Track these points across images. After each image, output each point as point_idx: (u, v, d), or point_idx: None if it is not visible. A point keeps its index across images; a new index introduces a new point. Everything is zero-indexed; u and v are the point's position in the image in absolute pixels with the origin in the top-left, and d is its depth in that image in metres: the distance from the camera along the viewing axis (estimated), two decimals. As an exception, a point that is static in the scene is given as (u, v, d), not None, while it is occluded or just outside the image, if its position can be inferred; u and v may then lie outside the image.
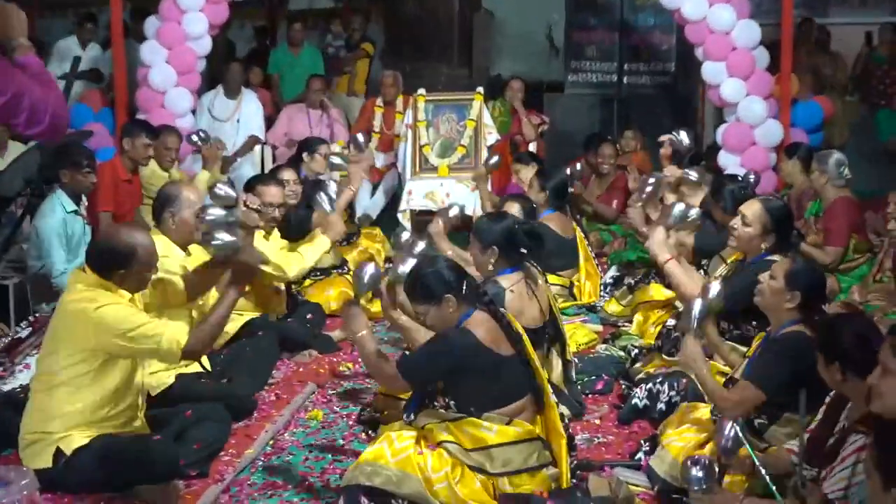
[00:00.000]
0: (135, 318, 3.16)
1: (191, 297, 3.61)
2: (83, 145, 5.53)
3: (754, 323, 3.73)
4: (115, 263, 3.20)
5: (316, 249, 4.81)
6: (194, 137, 6.16)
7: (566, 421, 3.33)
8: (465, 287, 3.16)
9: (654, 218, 4.88)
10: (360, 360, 4.67)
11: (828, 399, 2.85)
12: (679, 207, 4.19)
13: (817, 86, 8.05)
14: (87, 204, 5.38)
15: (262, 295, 4.74)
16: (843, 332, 2.69)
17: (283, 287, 4.89)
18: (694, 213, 4.21)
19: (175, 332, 3.16)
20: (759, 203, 3.89)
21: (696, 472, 2.75)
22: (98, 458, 3.12)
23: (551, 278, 5.19)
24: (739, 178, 5.26)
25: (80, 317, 3.15)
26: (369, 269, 3.31)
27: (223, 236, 3.35)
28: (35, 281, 5.06)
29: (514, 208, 4.82)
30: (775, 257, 3.73)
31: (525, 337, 3.25)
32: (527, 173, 5.88)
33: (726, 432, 2.84)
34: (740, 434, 2.84)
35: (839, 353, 2.65)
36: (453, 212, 4.75)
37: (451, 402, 3.12)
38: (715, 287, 3.49)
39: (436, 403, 3.17)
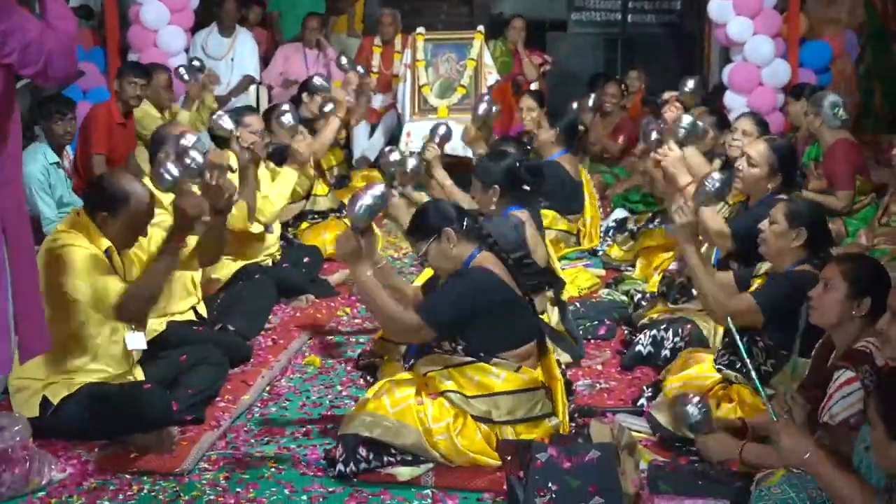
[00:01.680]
0: (93, 267, 3.07)
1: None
2: (62, 94, 5.38)
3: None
4: (102, 204, 3.14)
5: (283, 185, 4.63)
6: (181, 70, 6.00)
7: (563, 367, 3.30)
8: (465, 223, 3.07)
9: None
10: (357, 304, 4.66)
11: (814, 350, 2.85)
12: (685, 124, 4.10)
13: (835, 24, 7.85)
14: (71, 157, 5.29)
15: (238, 242, 4.41)
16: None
17: (273, 231, 4.75)
18: (698, 125, 4.14)
19: (113, 285, 3.07)
20: (763, 143, 3.81)
21: (691, 410, 2.85)
22: (86, 407, 3.07)
23: (559, 224, 5.13)
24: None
25: (47, 255, 3.10)
26: (373, 191, 2.87)
27: (169, 169, 3.13)
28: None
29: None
30: (782, 197, 3.65)
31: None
32: (539, 113, 5.79)
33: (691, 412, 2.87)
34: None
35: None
36: (442, 130, 4.64)
37: (460, 347, 3.02)
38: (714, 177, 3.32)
39: (436, 349, 3.09)
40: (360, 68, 6.25)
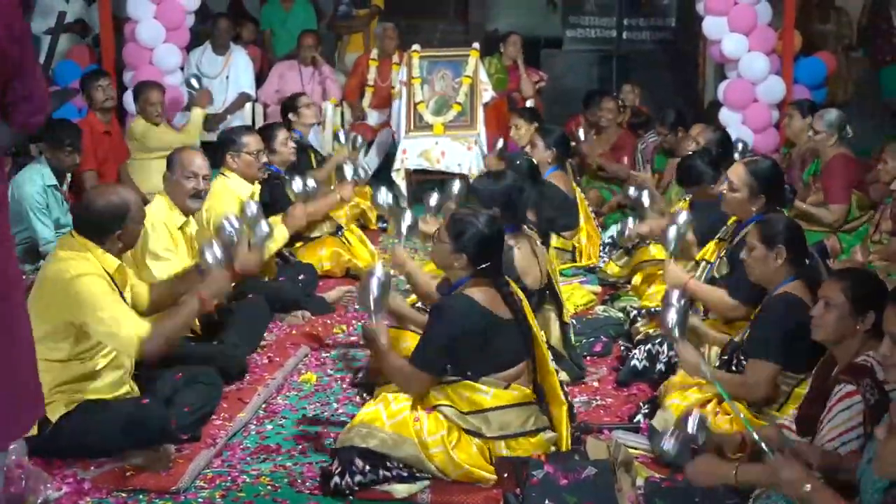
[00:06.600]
0: (108, 297, 3.08)
1: (153, 307, 3.46)
2: (69, 123, 5.40)
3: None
4: (113, 223, 3.15)
5: (273, 243, 4.58)
6: (193, 81, 6.20)
7: (565, 388, 3.29)
8: (486, 265, 3.05)
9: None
10: (353, 321, 4.66)
11: (814, 371, 2.86)
12: (673, 232, 3.94)
13: (820, 41, 7.92)
14: (69, 181, 5.32)
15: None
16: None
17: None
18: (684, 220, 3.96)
19: (136, 323, 3.10)
20: (742, 166, 3.79)
21: (692, 426, 2.73)
22: (84, 424, 3.07)
23: (554, 241, 5.13)
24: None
25: (56, 285, 3.09)
26: (377, 274, 3.07)
27: (213, 254, 3.32)
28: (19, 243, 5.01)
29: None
30: (766, 218, 3.65)
31: (525, 302, 3.19)
32: (527, 130, 5.80)
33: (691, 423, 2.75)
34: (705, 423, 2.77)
35: None
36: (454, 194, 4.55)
37: (448, 367, 3.04)
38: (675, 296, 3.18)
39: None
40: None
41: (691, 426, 2.75)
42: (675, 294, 3.15)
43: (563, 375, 3.73)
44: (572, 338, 3.95)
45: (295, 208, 4.90)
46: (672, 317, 3.13)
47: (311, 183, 4.98)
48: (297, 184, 4.91)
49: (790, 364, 3.05)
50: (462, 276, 3.09)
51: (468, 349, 3.00)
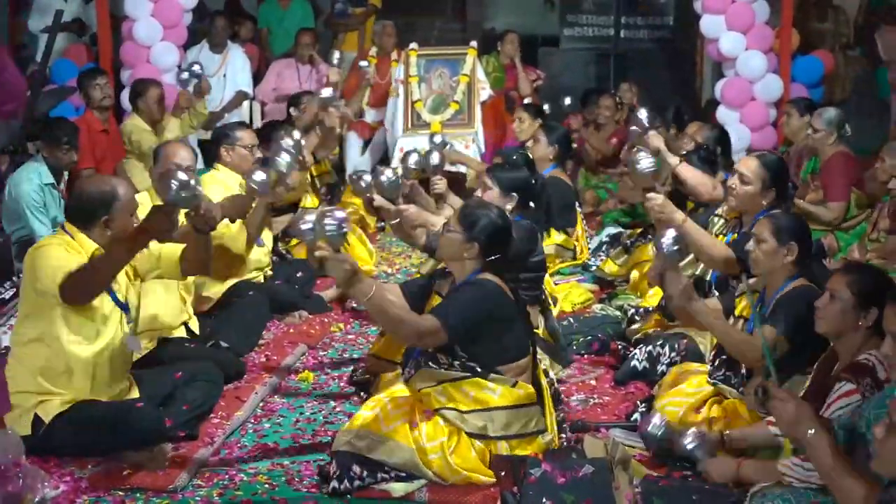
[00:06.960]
0: (60, 257, 3.04)
1: (186, 269, 3.37)
2: (66, 121, 5.38)
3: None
4: (99, 208, 3.12)
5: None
6: (184, 75, 5.94)
7: (550, 376, 3.30)
8: (496, 257, 3.06)
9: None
10: (351, 320, 4.66)
11: (816, 365, 2.86)
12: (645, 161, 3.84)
13: (818, 40, 7.93)
14: (67, 179, 5.31)
15: (223, 265, 4.27)
16: None
17: (263, 244, 4.72)
18: (649, 162, 3.84)
19: (63, 269, 3.00)
20: (755, 159, 3.80)
21: (691, 443, 2.90)
22: (78, 425, 3.07)
23: (558, 238, 5.15)
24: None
25: (26, 262, 3.12)
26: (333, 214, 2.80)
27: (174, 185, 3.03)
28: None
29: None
30: (777, 213, 3.65)
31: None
32: (531, 125, 5.81)
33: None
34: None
35: None
36: (435, 159, 4.54)
37: (457, 362, 3.01)
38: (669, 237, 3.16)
39: (431, 364, 3.07)
40: (364, 63, 6.26)
41: (690, 442, 2.90)
42: (671, 233, 3.13)
43: (557, 372, 3.74)
44: (554, 321, 3.94)
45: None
46: (668, 242, 3.08)
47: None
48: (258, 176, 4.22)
49: (793, 359, 3.03)
50: (472, 267, 3.09)
51: (490, 331, 2.99)
